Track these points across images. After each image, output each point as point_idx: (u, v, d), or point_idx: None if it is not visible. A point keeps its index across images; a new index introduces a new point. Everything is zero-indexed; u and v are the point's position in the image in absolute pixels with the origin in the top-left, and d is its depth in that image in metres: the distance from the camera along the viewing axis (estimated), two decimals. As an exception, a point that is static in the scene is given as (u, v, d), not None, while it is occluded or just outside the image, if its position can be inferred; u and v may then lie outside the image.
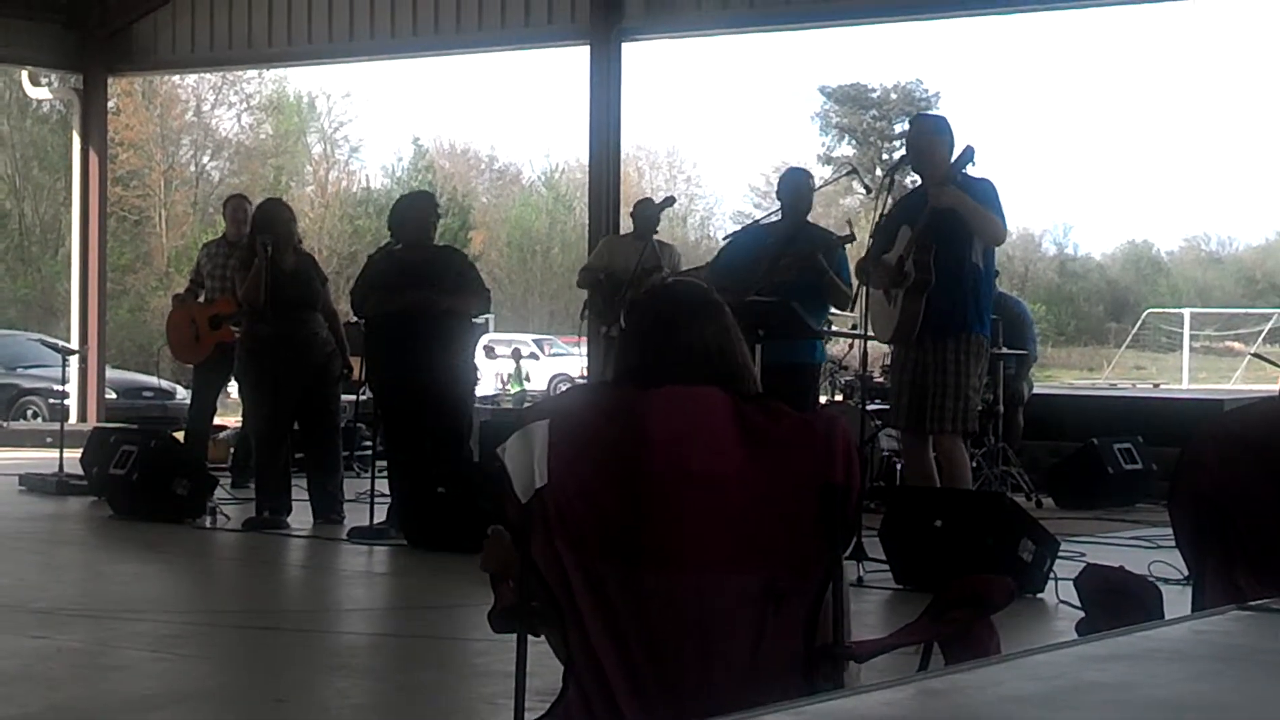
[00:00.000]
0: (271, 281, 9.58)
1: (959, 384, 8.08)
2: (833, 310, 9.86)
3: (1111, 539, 9.35)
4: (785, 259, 8.93)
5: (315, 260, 10.37)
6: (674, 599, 3.10)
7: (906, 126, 9.42)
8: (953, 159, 8.06)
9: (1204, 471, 3.50)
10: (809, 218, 9.53)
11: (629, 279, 10.78)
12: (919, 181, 8.57)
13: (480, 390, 11.46)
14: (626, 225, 12.33)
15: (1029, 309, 13.83)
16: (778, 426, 3.11)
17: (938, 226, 7.97)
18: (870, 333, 8.69)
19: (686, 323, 3.32)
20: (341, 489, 10.12)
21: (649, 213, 11.64)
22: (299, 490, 10.05)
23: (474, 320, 9.71)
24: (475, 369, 9.89)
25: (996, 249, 8.50)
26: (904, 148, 8.91)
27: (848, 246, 9.41)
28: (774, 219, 9.68)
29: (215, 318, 11.37)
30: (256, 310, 9.69)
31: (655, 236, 11.29)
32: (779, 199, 9.53)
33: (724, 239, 9.82)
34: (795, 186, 9.48)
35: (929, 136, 8.32)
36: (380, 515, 9.36)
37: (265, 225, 9.80)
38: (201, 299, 11.76)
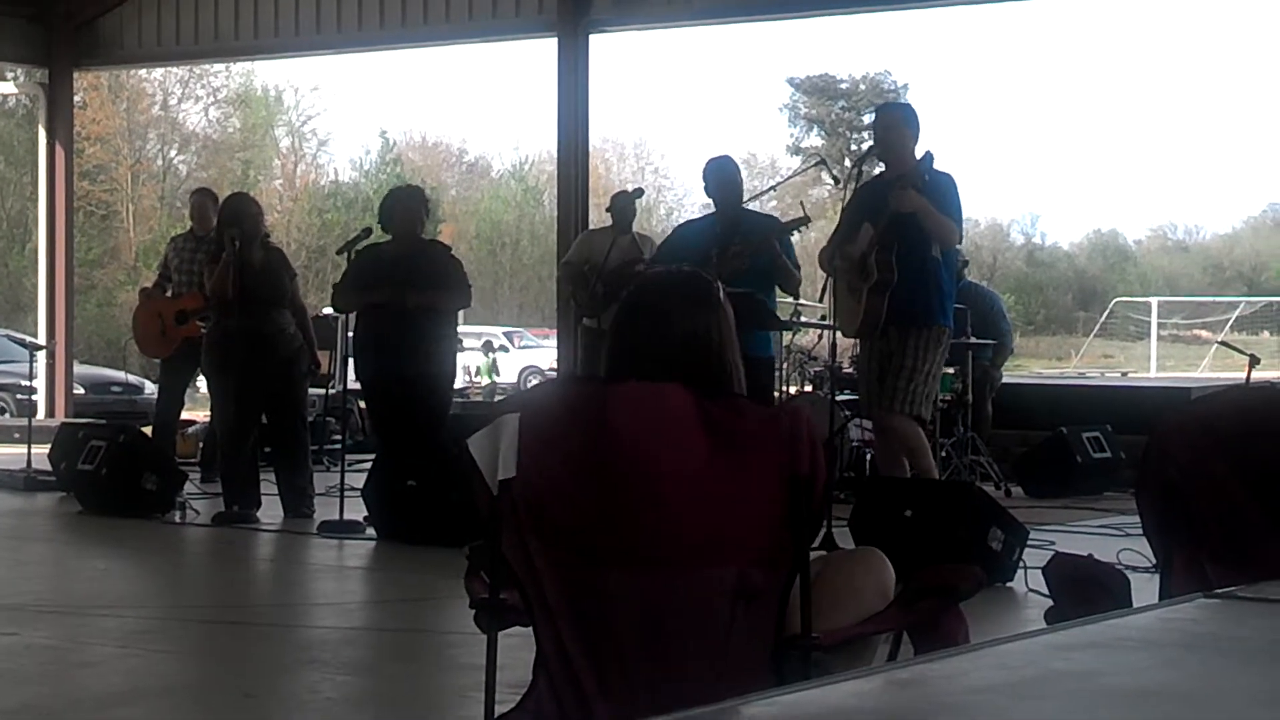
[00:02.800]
0: (239, 276, 9.57)
1: (914, 366, 8.17)
2: (802, 301, 9.82)
3: (1080, 527, 9.37)
4: (735, 246, 8.76)
5: (284, 254, 10.34)
6: (643, 595, 3.09)
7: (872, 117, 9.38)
8: (918, 159, 8.15)
9: (1171, 460, 3.51)
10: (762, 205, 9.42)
11: (615, 272, 10.75)
12: (884, 170, 8.61)
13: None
14: (595, 217, 12.29)
15: (1002, 300, 13.88)
16: (742, 421, 3.11)
17: (899, 227, 8.06)
18: (836, 323, 8.69)
19: (683, 313, 3.31)
20: (311, 483, 10.09)
21: (625, 204, 11.61)
22: (269, 485, 10.03)
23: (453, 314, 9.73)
24: (454, 362, 9.95)
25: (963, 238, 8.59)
26: (871, 137, 8.93)
27: (804, 230, 9.30)
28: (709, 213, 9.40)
29: (182, 312, 11.30)
30: (224, 304, 9.67)
31: (638, 230, 11.22)
32: (708, 194, 9.24)
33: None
34: (722, 176, 9.23)
35: (896, 127, 8.41)
36: (349, 509, 9.34)
37: (232, 219, 9.78)
38: (169, 293, 11.71)
